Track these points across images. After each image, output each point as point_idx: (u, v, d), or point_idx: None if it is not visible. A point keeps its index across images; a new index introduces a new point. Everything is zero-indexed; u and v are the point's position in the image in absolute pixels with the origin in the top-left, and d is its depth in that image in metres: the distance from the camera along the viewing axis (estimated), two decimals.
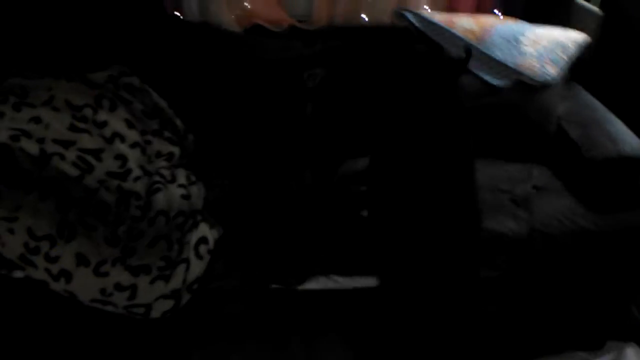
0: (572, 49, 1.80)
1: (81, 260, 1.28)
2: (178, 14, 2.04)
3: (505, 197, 1.56)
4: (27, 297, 1.34)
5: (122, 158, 1.45)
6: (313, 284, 1.49)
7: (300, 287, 1.48)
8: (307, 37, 2.01)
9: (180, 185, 1.50)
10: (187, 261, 1.37)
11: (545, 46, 1.79)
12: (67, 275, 1.27)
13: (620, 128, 1.64)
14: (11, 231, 1.25)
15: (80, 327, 1.40)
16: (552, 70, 1.76)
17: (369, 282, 1.51)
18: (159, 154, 1.57)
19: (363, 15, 2.12)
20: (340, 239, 1.51)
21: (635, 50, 1.88)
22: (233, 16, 2.07)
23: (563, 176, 1.65)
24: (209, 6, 2.05)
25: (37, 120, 1.39)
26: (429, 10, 2.08)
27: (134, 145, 1.49)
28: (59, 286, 1.28)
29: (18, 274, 1.32)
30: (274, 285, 1.47)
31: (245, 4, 2.11)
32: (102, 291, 1.29)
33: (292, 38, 2.01)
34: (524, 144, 1.70)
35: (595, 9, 1.97)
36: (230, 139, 1.83)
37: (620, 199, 1.55)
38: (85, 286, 1.28)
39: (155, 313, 1.34)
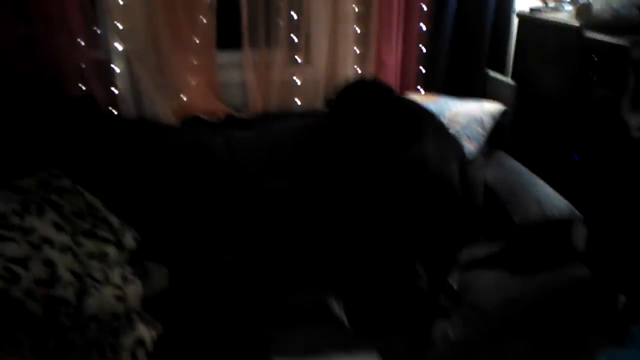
0: (488, 121, 1.89)
1: None
2: (114, 110, 2.07)
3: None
4: None
5: (50, 264, 1.39)
6: None
7: None
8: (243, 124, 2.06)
9: (115, 286, 1.45)
10: None
11: (463, 123, 1.87)
12: None
13: (545, 190, 1.67)
14: None
15: None
16: (470, 146, 1.84)
17: None
18: (91, 255, 1.52)
19: (296, 100, 2.20)
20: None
21: (546, 115, 2.02)
22: (169, 110, 2.11)
23: (493, 244, 1.63)
24: (144, 101, 2.09)
25: None
26: None
27: (63, 249, 1.44)
28: None
29: None
30: None
31: (182, 96, 2.15)
32: None
33: (229, 126, 2.06)
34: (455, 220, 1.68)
35: (508, 80, 2.12)
36: (173, 231, 1.81)
37: (551, 261, 1.57)
38: None
39: None
